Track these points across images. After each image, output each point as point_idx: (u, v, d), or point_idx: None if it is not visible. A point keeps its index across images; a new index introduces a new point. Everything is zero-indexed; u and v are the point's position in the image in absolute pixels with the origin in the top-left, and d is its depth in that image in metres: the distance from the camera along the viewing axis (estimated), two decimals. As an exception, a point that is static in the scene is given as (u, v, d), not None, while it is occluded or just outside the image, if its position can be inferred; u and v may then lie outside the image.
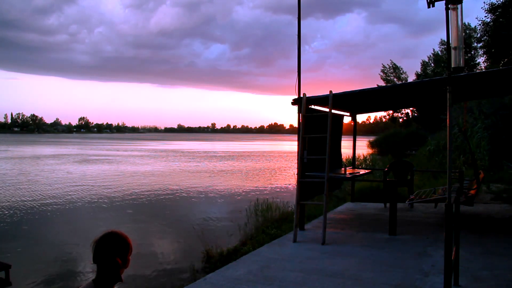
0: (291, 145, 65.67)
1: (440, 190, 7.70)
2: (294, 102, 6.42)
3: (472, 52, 33.46)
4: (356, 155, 10.52)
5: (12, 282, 5.36)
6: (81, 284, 1.78)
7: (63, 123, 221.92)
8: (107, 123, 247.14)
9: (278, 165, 28.31)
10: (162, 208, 12.27)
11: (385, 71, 46.96)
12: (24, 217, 10.48)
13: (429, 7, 3.23)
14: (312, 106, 6.69)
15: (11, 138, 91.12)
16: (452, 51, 3.10)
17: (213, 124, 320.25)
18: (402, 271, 4.49)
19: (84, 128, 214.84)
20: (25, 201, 12.71)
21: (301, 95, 6.34)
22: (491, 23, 22.29)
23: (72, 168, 23.98)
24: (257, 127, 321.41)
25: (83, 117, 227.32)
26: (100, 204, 12.53)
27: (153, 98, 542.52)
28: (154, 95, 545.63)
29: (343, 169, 7.32)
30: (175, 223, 10.16)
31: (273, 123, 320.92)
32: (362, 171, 8.02)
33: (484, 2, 21.76)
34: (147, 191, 15.17)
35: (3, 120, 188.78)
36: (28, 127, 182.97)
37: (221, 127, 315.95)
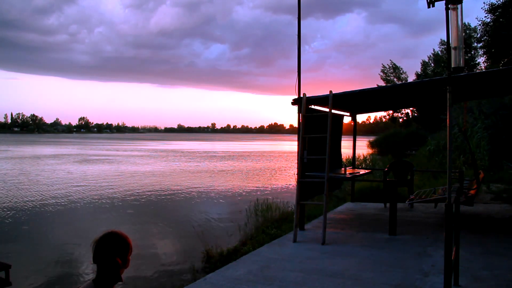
0: (291, 145, 65.67)
1: (440, 190, 7.69)
2: (294, 102, 6.42)
3: (472, 52, 33.48)
4: (356, 155, 10.52)
5: (12, 282, 5.36)
6: (81, 284, 1.78)
7: (63, 123, 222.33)
8: (107, 123, 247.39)
9: (278, 165, 28.31)
10: (162, 208, 12.27)
11: (385, 71, 47.03)
12: (25, 217, 10.48)
13: (429, 7, 3.23)
14: (312, 106, 6.69)
15: (11, 138, 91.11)
16: (452, 51, 3.10)
17: (213, 124, 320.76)
18: (402, 271, 4.49)
19: (84, 128, 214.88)
20: (26, 201, 12.71)
21: (301, 95, 6.34)
22: (491, 23, 22.30)
23: (73, 168, 23.98)
24: (257, 127, 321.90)
25: (83, 117, 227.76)
26: (100, 204, 12.53)
27: (153, 98, 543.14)
28: (154, 95, 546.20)
29: (343, 169, 7.31)
30: (175, 223, 10.16)
31: (273, 123, 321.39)
32: (362, 171, 8.02)
33: (484, 3, 21.80)
34: (147, 191, 15.17)
35: (3, 120, 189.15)
36: (28, 127, 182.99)
37: (221, 127, 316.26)
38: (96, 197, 13.68)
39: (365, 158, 21.20)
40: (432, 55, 41.28)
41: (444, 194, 6.99)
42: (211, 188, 16.08)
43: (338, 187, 9.26)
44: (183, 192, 15.16)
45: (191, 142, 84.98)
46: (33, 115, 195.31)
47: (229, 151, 47.08)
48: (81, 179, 18.62)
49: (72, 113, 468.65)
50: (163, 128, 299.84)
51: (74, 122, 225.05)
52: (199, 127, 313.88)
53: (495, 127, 14.78)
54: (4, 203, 12.28)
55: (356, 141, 9.27)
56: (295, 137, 6.84)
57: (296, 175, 6.72)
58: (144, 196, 14.00)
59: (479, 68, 31.83)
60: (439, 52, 38.84)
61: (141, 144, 68.60)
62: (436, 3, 3.22)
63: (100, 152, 41.22)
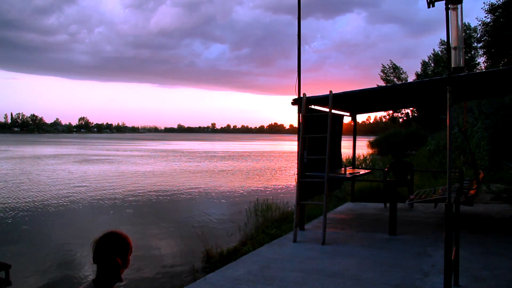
0: (291, 145, 65.67)
1: (440, 190, 7.69)
2: (294, 102, 6.42)
3: (472, 52, 33.47)
4: (356, 155, 10.52)
5: (12, 282, 5.36)
6: (81, 284, 1.78)
7: (63, 123, 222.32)
8: (107, 123, 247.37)
9: (278, 165, 28.31)
10: (162, 208, 12.27)
11: (385, 71, 47.00)
12: (25, 217, 10.48)
13: (429, 7, 3.23)
14: (312, 106, 6.69)
15: (11, 138, 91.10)
16: (452, 51, 3.10)
17: (213, 124, 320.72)
18: (402, 271, 4.49)
19: (84, 128, 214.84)
20: (26, 201, 12.70)
21: (301, 95, 6.34)
22: (491, 23, 22.30)
23: (73, 168, 23.98)
24: (257, 127, 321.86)
25: (83, 117, 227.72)
26: (100, 204, 12.53)
27: (153, 98, 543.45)
28: (154, 95, 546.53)
29: (343, 169, 7.32)
30: (175, 223, 10.15)
31: (273, 123, 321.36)
32: (362, 171, 8.02)
33: (484, 3, 21.80)
34: (148, 191, 15.17)
35: (3, 120, 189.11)
36: (28, 127, 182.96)
37: (221, 127, 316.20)
38: (96, 197, 13.68)
39: (365, 158, 21.21)
40: (432, 55, 41.27)
41: (444, 194, 6.99)
42: (211, 188, 16.08)
43: (338, 187, 9.26)
44: (183, 192, 15.16)
45: (191, 142, 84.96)
46: (33, 115, 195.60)
47: (229, 151, 47.08)
48: (81, 179, 18.62)
49: (72, 113, 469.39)
50: (163, 128, 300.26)
51: (74, 122, 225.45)
52: (199, 127, 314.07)
53: (495, 127, 14.77)
54: (4, 203, 12.28)
55: (356, 141, 9.27)
56: (295, 137, 6.84)
57: (296, 175, 6.72)
58: (144, 196, 14.00)
59: (479, 68, 31.83)
60: (439, 52, 38.82)
61: (141, 144, 68.59)
62: (436, 3, 3.22)
63: (100, 152, 41.22)
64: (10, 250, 7.67)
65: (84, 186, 16.31)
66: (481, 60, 31.89)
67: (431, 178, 12.77)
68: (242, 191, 15.42)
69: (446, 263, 3.24)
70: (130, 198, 13.55)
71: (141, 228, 9.60)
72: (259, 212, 9.69)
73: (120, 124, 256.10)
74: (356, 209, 8.58)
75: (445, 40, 3.91)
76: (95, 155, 36.87)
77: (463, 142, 14.59)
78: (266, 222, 8.65)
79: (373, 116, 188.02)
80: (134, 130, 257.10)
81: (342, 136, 8.47)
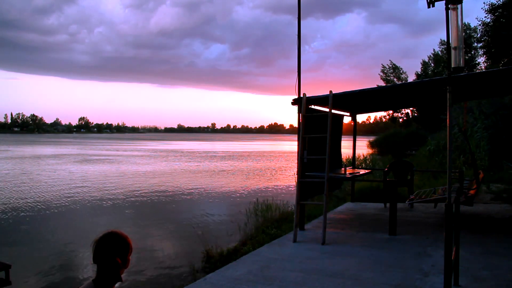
0: (291, 145, 65.66)
1: (440, 190, 7.69)
2: (294, 102, 6.42)
3: (472, 52, 33.44)
4: (356, 155, 10.52)
5: (12, 282, 5.36)
6: (81, 284, 1.78)
7: (63, 123, 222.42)
8: (107, 123, 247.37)
9: (278, 165, 28.31)
10: (163, 208, 12.27)
11: (385, 71, 46.93)
12: (25, 217, 10.48)
13: (429, 7, 3.23)
14: (312, 106, 6.69)
15: (11, 138, 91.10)
16: (452, 51, 3.10)
17: (213, 124, 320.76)
18: (402, 271, 4.49)
19: (84, 128, 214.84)
20: (26, 201, 12.71)
21: (301, 95, 6.34)
22: (491, 23, 22.29)
23: (73, 168, 23.98)
24: (257, 127, 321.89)
25: (83, 117, 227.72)
26: (100, 204, 12.53)
27: (153, 98, 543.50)
28: (154, 95, 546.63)
29: (343, 169, 7.31)
30: (175, 223, 10.15)
31: (273, 123, 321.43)
32: (362, 171, 8.02)
33: (484, 3, 21.78)
34: (148, 191, 15.17)
35: (3, 120, 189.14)
36: (28, 127, 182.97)
37: (221, 127, 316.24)
38: (96, 197, 13.68)
39: (365, 158, 21.21)
40: (432, 55, 41.22)
41: (444, 194, 6.99)
42: (211, 188, 16.08)
43: (338, 187, 9.26)
44: (183, 192, 15.16)
45: (191, 142, 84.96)
46: (33, 115, 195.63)
47: (229, 151, 47.07)
48: (81, 179, 18.62)
49: (72, 113, 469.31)
50: (163, 128, 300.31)
51: (74, 122, 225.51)
52: (199, 127, 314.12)
53: (495, 127, 14.77)
54: (4, 203, 12.28)
55: (356, 141, 9.27)
56: (295, 137, 6.84)
57: (296, 175, 6.72)
58: (145, 196, 14.00)
59: (479, 68, 31.81)
60: (439, 52, 38.79)
61: (141, 144, 68.59)
62: (436, 3, 3.22)
63: (100, 152, 41.22)
64: (10, 250, 7.67)
65: (84, 186, 16.31)
66: (481, 60, 31.90)
67: (431, 178, 12.77)
68: (242, 191, 15.42)
69: (446, 263, 3.24)
70: (130, 198, 13.55)
71: (141, 228, 9.60)
72: (259, 212, 9.69)
73: (120, 124, 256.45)
74: (356, 209, 8.58)
75: (445, 40, 3.91)
76: (95, 155, 36.87)
77: (463, 142, 14.59)
78: (266, 222, 8.66)
79: (373, 116, 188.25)
80: (134, 130, 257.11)
81: (342, 136, 8.47)
